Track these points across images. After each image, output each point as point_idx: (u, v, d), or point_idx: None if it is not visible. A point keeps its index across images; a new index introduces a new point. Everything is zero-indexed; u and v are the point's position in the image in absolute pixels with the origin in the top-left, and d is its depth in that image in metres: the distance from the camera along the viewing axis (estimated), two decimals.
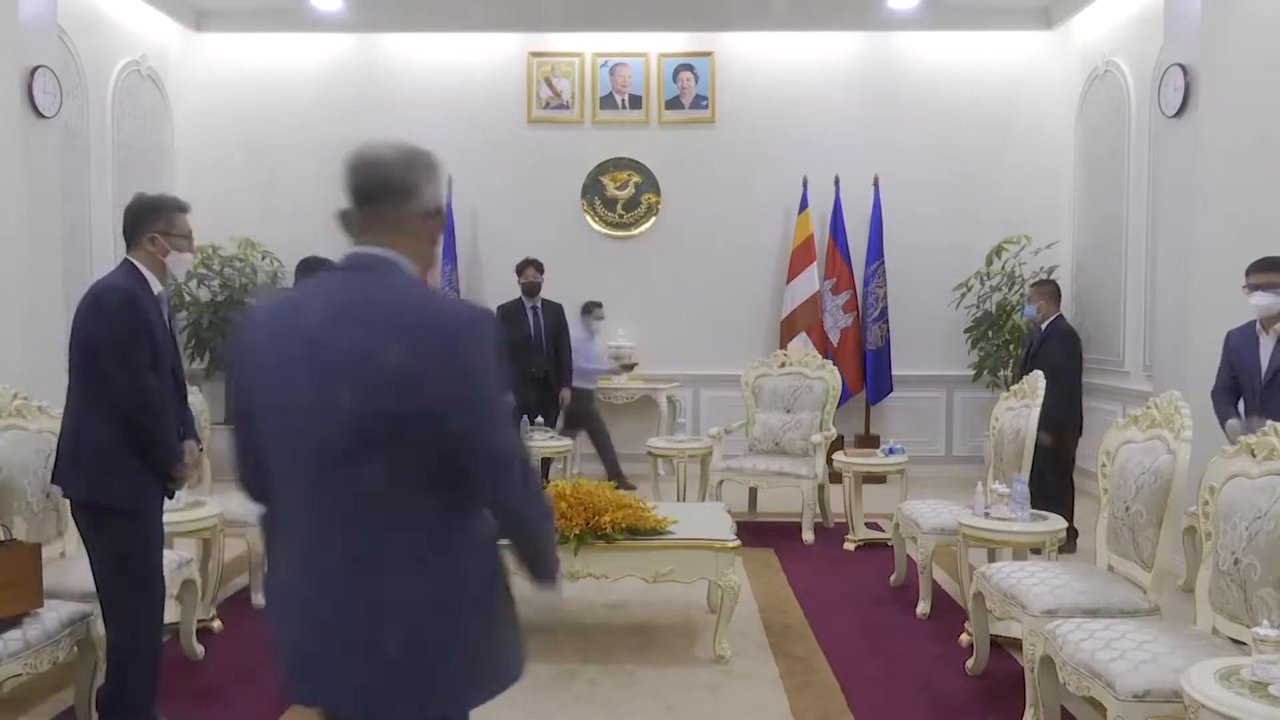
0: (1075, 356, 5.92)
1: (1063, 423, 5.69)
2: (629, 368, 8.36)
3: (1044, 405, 4.80)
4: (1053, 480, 5.63)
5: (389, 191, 1.81)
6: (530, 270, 7.38)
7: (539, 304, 7.41)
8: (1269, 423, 3.11)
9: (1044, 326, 6.06)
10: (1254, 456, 3.10)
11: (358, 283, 1.79)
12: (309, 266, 5.17)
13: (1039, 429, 4.79)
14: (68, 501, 3.57)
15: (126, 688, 3.27)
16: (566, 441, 7.16)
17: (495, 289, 8.27)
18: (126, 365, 3.18)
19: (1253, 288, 4.40)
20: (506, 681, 1.90)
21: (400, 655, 1.74)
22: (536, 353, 7.27)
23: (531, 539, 1.91)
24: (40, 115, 5.77)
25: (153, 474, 3.28)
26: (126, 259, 3.35)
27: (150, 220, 3.33)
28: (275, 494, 1.85)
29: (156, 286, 3.34)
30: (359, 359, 1.70)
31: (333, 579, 1.76)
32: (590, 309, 8.08)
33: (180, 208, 3.42)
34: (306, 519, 1.79)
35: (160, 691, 3.43)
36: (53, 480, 3.46)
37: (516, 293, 7.45)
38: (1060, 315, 6.13)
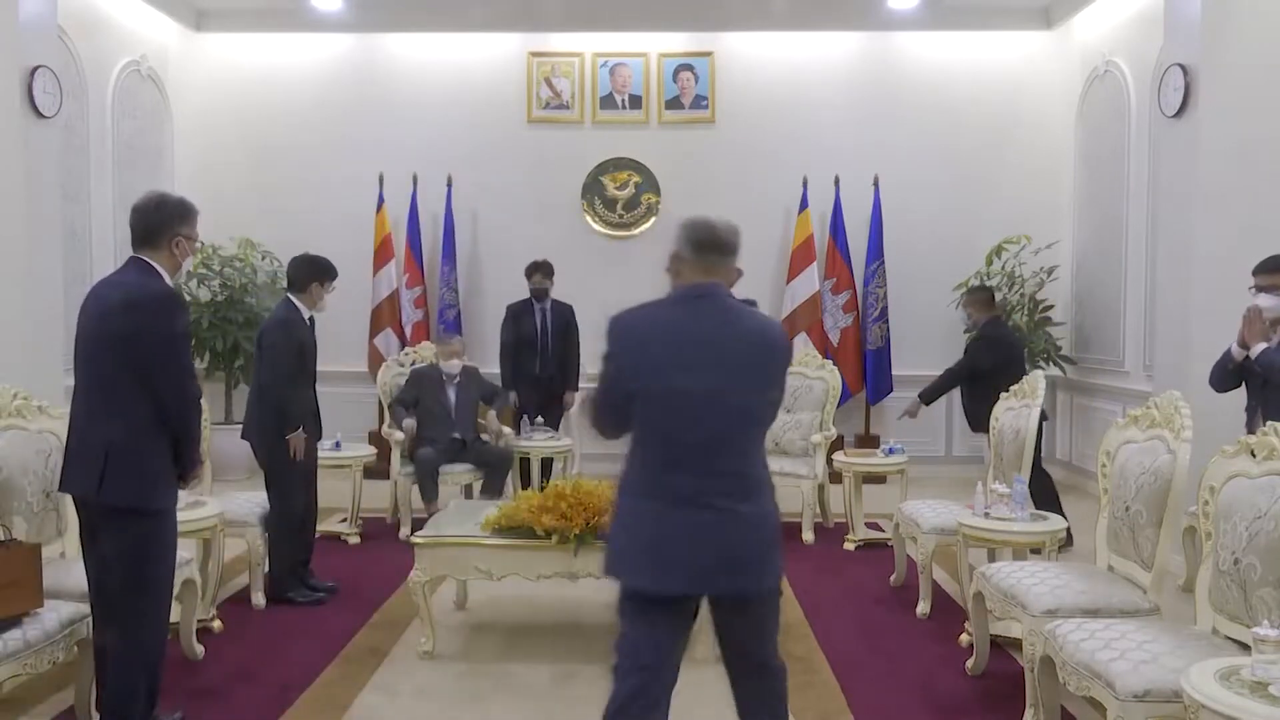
0: (999, 358, 6.06)
1: (981, 419, 5.73)
2: None
3: (963, 402, 6.35)
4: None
5: (722, 249, 2.73)
6: (538, 275, 7.29)
7: (549, 305, 7.37)
8: (1269, 423, 3.11)
9: (976, 331, 6.42)
10: (1254, 456, 3.10)
11: (725, 305, 2.71)
12: (310, 265, 5.17)
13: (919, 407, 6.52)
14: (69, 501, 3.56)
15: (129, 688, 3.25)
16: (567, 441, 7.16)
17: (495, 290, 8.27)
18: (179, 367, 3.23)
19: (1258, 289, 4.39)
20: None
21: (773, 545, 2.67)
22: (543, 353, 7.25)
23: None
24: (40, 115, 5.77)
25: (175, 472, 3.30)
26: (138, 258, 3.30)
27: (179, 222, 3.33)
28: (660, 453, 2.60)
29: (171, 286, 3.34)
30: (758, 356, 2.68)
31: (731, 504, 2.58)
32: None
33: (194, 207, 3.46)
34: (706, 466, 2.57)
35: (160, 691, 3.42)
36: (61, 486, 3.40)
37: (521, 293, 7.40)
38: (991, 319, 6.38)
